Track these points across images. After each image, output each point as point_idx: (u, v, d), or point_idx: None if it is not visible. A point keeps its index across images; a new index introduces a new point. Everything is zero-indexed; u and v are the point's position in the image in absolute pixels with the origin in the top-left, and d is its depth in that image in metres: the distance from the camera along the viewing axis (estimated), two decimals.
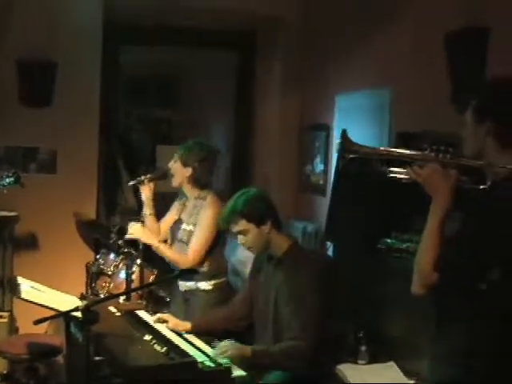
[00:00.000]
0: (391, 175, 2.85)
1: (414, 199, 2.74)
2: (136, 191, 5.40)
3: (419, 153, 2.79)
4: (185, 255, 4.84)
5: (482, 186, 2.68)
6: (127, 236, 5.04)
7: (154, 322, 4.18)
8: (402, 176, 2.83)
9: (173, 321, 4.23)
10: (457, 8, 4.45)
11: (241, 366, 3.69)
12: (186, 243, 4.89)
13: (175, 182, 4.98)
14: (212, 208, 4.83)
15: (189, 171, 4.90)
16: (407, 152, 2.82)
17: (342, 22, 6.14)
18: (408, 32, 5.09)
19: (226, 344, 3.80)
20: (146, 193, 5.05)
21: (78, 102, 6.44)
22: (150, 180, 5.05)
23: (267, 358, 3.86)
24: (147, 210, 5.09)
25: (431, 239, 2.61)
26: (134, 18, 6.82)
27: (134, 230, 4.96)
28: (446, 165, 2.71)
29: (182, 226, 4.99)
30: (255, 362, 3.82)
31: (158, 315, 4.28)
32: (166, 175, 5.05)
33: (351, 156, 2.86)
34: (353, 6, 5.93)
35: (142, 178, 5.04)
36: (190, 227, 4.91)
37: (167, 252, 4.89)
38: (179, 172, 4.93)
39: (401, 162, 2.82)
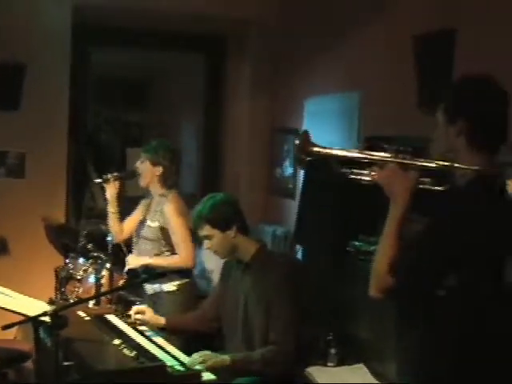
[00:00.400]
0: (351, 177, 2.84)
1: (380, 202, 2.74)
2: (104, 193, 5.38)
3: (378, 154, 2.77)
4: (179, 257, 4.89)
5: (439, 188, 2.69)
6: (128, 267, 5.03)
7: (134, 313, 4.23)
8: (362, 178, 2.82)
9: (150, 313, 4.28)
10: (425, 12, 4.52)
11: (216, 374, 3.69)
12: (152, 240, 4.95)
13: (143, 182, 5.04)
14: (173, 203, 4.91)
15: (159, 170, 4.96)
16: (366, 153, 2.80)
17: (311, 25, 6.17)
18: (376, 36, 5.14)
19: (202, 354, 3.80)
20: (110, 191, 5.09)
21: (46, 105, 6.42)
22: (116, 179, 5.08)
23: (248, 365, 3.87)
24: (111, 208, 5.12)
25: (388, 241, 2.59)
26: (104, 20, 6.79)
27: (132, 261, 4.99)
28: (406, 166, 2.69)
29: (146, 223, 5.04)
30: (235, 371, 3.84)
31: (136, 307, 4.33)
32: (133, 175, 5.12)
33: (308, 158, 2.84)
34: (322, 10, 5.96)
35: (109, 176, 5.08)
36: (155, 223, 4.96)
37: (163, 263, 4.90)
38: (148, 172, 4.99)
39: (362, 163, 2.83)
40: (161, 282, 4.90)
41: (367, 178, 2.80)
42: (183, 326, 4.42)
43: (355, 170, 2.83)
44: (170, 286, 4.92)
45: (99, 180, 5.15)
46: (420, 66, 4.49)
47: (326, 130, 5.64)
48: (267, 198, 6.90)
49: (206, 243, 4.16)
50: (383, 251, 2.59)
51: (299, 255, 5.63)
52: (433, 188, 2.70)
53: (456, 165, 2.62)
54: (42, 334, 3.74)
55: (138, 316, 4.25)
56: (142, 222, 5.10)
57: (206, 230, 4.09)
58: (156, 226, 4.95)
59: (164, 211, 4.92)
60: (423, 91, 4.45)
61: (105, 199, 5.28)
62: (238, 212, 4.18)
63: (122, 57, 8.28)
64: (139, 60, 8.61)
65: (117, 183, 5.08)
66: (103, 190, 5.24)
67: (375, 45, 5.15)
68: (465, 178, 2.61)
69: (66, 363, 3.34)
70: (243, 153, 7.02)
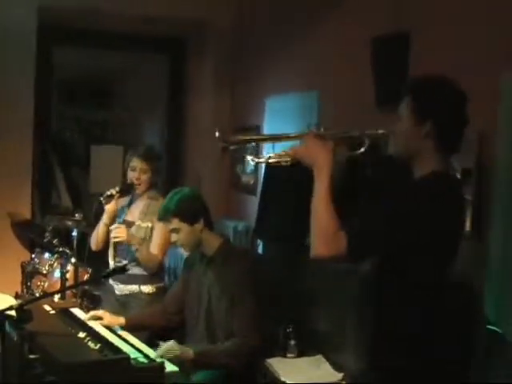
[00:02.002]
0: (272, 161, 2.94)
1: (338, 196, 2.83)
2: (69, 190, 5.37)
3: (295, 133, 2.93)
4: (155, 256, 4.89)
5: (358, 151, 2.83)
6: (114, 240, 4.92)
7: (88, 319, 4.17)
8: (282, 159, 2.92)
9: (107, 317, 4.24)
10: (381, 13, 4.59)
11: (180, 366, 3.71)
12: (142, 239, 4.91)
13: (142, 189, 5.02)
14: None
15: (149, 174, 4.99)
16: (283, 134, 2.96)
17: (271, 25, 6.22)
18: (336, 36, 5.20)
19: (167, 345, 3.82)
20: (111, 206, 5.00)
21: (11, 103, 6.42)
22: (120, 196, 5.00)
23: (211, 358, 3.92)
24: (107, 220, 5.01)
25: (325, 200, 2.65)
26: (68, 21, 6.82)
27: (120, 232, 4.88)
28: (322, 137, 2.81)
29: (135, 224, 4.99)
30: (198, 363, 3.87)
31: (92, 313, 4.28)
32: (132, 187, 5.04)
33: (232, 146, 2.96)
34: (282, 9, 6.01)
35: (113, 192, 4.95)
36: (147, 224, 4.93)
37: (144, 251, 4.88)
38: (148, 179, 5.00)
39: None
40: (139, 283, 4.91)
41: (287, 159, 2.90)
42: (144, 322, 4.45)
43: (272, 155, 2.94)
44: (150, 288, 4.93)
45: (103, 197, 4.99)
46: (376, 66, 4.55)
47: (287, 127, 5.68)
48: (229, 194, 6.95)
49: (173, 236, 4.20)
50: (323, 209, 2.65)
51: (259, 249, 5.72)
52: (353, 153, 2.86)
53: (367, 132, 2.80)
54: (7, 327, 3.71)
55: (95, 322, 4.16)
56: (125, 224, 4.98)
57: (173, 224, 4.14)
58: (147, 226, 4.94)
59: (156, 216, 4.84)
60: (380, 91, 4.52)
61: (71, 197, 5.26)
62: (204, 206, 4.24)
63: (84, 57, 8.27)
64: (102, 60, 8.60)
65: (117, 199, 5.00)
66: (68, 185, 5.20)
67: (334, 45, 5.20)
68: (419, 173, 2.72)
69: (31, 356, 3.33)
70: (206, 150, 7.03)
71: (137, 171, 4.97)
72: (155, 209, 4.85)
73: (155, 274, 4.95)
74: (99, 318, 4.21)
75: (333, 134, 2.86)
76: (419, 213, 2.59)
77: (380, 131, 2.80)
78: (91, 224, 5.28)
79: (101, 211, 5.07)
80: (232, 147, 2.97)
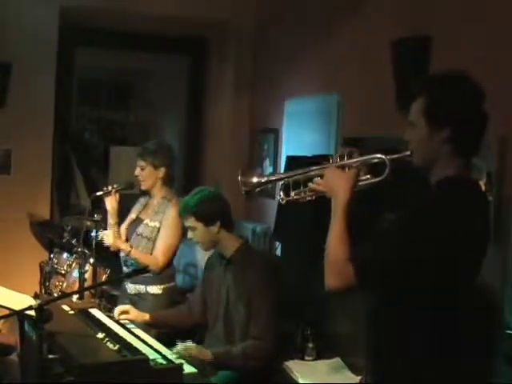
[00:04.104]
0: (295, 197, 2.94)
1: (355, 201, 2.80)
2: (88, 190, 5.39)
3: (317, 167, 2.85)
4: (154, 258, 4.90)
5: (377, 179, 2.75)
6: (104, 243, 5.00)
7: (118, 314, 4.27)
8: (307, 195, 2.91)
9: (134, 311, 4.35)
10: (402, 15, 4.57)
11: (198, 367, 3.73)
12: (148, 238, 4.95)
13: (147, 186, 5.04)
14: (176, 208, 4.87)
15: (162, 171, 5.00)
16: (304, 170, 2.89)
17: (291, 27, 6.21)
18: (356, 38, 5.18)
19: (185, 346, 3.86)
20: (111, 203, 5.06)
21: (32, 103, 6.47)
22: (117, 191, 5.06)
23: (228, 359, 3.94)
24: (112, 220, 5.08)
25: (339, 233, 2.60)
26: (89, 21, 6.85)
27: (106, 238, 4.96)
28: (344, 166, 2.76)
29: (143, 222, 5.02)
30: (215, 364, 3.90)
31: (120, 307, 4.38)
32: (132, 185, 5.11)
33: (257, 189, 2.97)
34: (302, 11, 6.00)
35: (110, 188, 5.05)
36: (155, 223, 4.96)
37: (138, 255, 4.92)
38: (151, 176, 5.00)
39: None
40: (146, 284, 4.93)
41: (311, 193, 2.88)
42: (168, 321, 4.50)
43: (295, 192, 2.93)
44: (156, 289, 4.95)
45: (100, 193, 5.08)
46: (397, 69, 4.53)
47: (306, 130, 5.71)
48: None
49: (190, 233, 4.25)
50: (336, 242, 2.60)
51: (278, 252, 5.71)
52: (374, 180, 2.77)
53: (390, 156, 2.69)
54: (26, 327, 3.74)
55: (123, 316, 4.30)
56: (134, 223, 5.10)
57: (190, 222, 4.19)
58: (155, 226, 4.97)
59: (166, 214, 4.93)
60: (400, 94, 4.51)
61: (90, 198, 5.28)
62: (224, 209, 4.26)
63: (105, 57, 8.29)
64: (123, 61, 8.61)
65: (117, 195, 5.06)
66: (88, 187, 5.24)
67: (354, 47, 5.18)
68: (436, 178, 2.61)
69: (50, 356, 3.37)
70: (224, 152, 7.06)
71: (137, 167, 5.02)
72: (166, 209, 4.95)
73: (160, 273, 4.95)
74: (126, 312, 4.32)
75: (355, 161, 2.78)
76: (433, 223, 2.47)
77: (403, 154, 2.68)
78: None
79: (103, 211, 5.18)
80: (257, 189, 2.98)
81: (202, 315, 4.41)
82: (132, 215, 5.17)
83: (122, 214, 5.19)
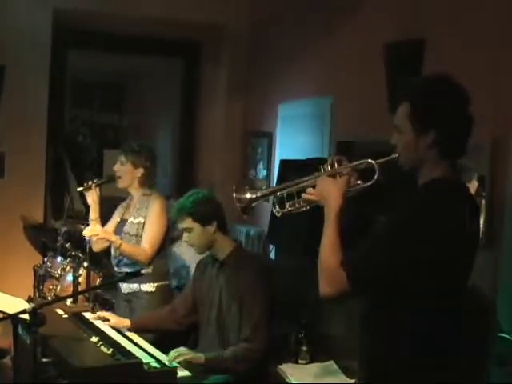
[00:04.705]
0: (289, 209, 2.94)
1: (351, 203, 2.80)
2: (82, 195, 5.38)
3: (309, 177, 2.86)
4: (142, 249, 4.89)
5: (369, 183, 2.76)
6: (85, 235, 4.93)
7: (95, 319, 4.22)
8: (302, 205, 2.91)
9: (113, 318, 4.29)
10: (395, 19, 4.59)
11: (192, 371, 3.75)
12: (135, 235, 4.95)
13: (123, 184, 5.05)
14: (159, 201, 4.97)
15: (140, 171, 5.00)
16: (296, 181, 2.90)
17: (285, 31, 6.22)
18: (349, 42, 5.20)
19: (178, 350, 3.85)
20: (92, 198, 5.05)
21: (26, 106, 6.46)
22: (97, 185, 5.05)
23: (220, 363, 3.93)
24: (93, 215, 5.07)
25: (332, 240, 2.61)
26: (83, 24, 6.85)
27: (93, 231, 4.91)
28: (335, 174, 2.78)
29: (128, 221, 5.03)
30: (208, 368, 3.90)
31: (99, 313, 4.33)
32: (112, 179, 5.10)
33: (253, 204, 3.00)
34: (296, 15, 6.01)
35: (90, 183, 5.04)
36: (139, 219, 4.97)
37: (126, 247, 4.90)
38: (129, 174, 5.01)
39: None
40: (140, 282, 4.91)
41: (304, 204, 2.89)
42: (149, 325, 4.46)
43: (289, 204, 2.94)
44: (149, 287, 4.94)
45: (81, 188, 5.08)
46: (390, 72, 4.55)
47: (299, 133, 5.72)
48: None
49: (185, 236, 4.24)
50: (330, 248, 2.60)
51: (272, 255, 5.71)
52: (365, 185, 2.78)
53: (378, 161, 2.70)
54: (20, 331, 3.74)
55: (103, 323, 4.22)
56: (120, 224, 5.10)
57: (186, 223, 4.18)
58: (140, 222, 4.96)
59: (150, 208, 4.95)
60: (393, 97, 4.52)
61: (83, 202, 5.29)
62: (219, 210, 4.26)
63: (99, 60, 8.30)
64: (116, 63, 8.62)
65: (97, 190, 5.05)
66: (83, 196, 5.24)
67: (348, 50, 5.20)
68: (423, 180, 2.62)
69: (44, 360, 3.38)
70: (218, 155, 7.07)
71: (118, 162, 5.04)
72: (148, 203, 4.97)
73: (149, 265, 4.93)
74: (106, 319, 4.26)
75: (344, 168, 2.80)
76: (421, 225, 2.48)
77: (390, 157, 2.68)
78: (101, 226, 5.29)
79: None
80: (253, 204, 3.01)
81: (187, 317, 4.39)
82: (117, 218, 5.17)
83: (103, 208, 5.19)
